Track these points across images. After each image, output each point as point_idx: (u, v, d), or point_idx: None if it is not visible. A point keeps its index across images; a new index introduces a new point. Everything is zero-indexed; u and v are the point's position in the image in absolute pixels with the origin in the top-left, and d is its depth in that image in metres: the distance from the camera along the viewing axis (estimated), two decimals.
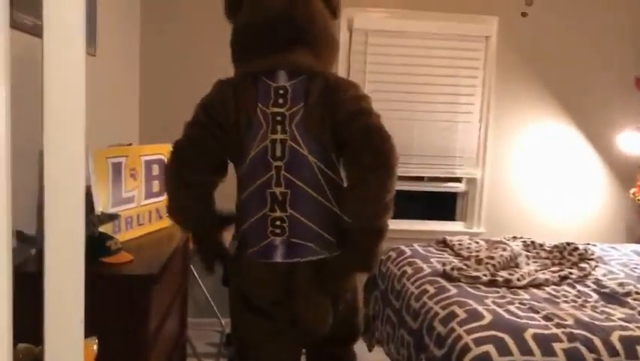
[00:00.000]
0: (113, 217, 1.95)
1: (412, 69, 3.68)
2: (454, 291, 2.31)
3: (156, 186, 2.45)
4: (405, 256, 2.86)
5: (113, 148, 2.22)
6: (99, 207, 2.08)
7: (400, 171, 3.60)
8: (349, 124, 1.73)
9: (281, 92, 1.74)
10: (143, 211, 2.35)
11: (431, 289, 2.37)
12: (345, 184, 1.83)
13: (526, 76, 3.78)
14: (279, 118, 1.72)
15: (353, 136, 1.73)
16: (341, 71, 3.62)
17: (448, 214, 3.98)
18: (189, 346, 3.12)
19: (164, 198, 2.48)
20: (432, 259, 2.77)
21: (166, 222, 2.50)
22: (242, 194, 1.84)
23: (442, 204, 4.06)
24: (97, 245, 1.90)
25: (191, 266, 3.46)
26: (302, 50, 1.77)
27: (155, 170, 2.45)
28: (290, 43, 1.76)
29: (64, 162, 0.57)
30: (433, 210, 4.12)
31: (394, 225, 3.73)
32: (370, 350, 3.10)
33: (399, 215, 3.85)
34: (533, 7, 3.68)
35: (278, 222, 1.74)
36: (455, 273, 2.46)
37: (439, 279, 2.46)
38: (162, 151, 2.52)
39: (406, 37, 3.65)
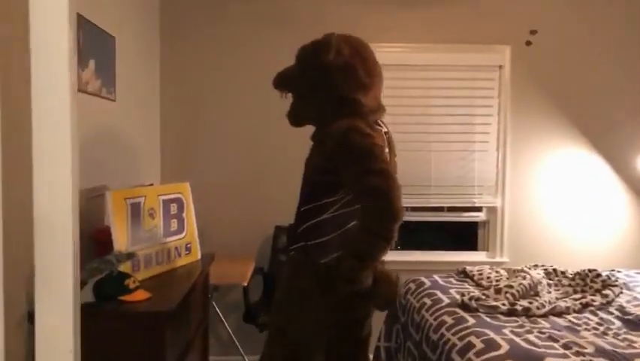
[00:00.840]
0: (130, 256, 2.00)
1: (426, 101, 3.72)
2: (472, 321, 2.28)
3: (174, 224, 2.51)
4: (424, 287, 2.85)
5: (131, 189, 2.29)
6: (118, 247, 2.14)
7: (420, 201, 3.66)
8: None
9: (387, 137, 2.16)
10: (162, 250, 2.40)
11: (449, 320, 2.35)
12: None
13: (542, 102, 3.78)
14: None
15: None
16: None
17: (471, 244, 3.95)
18: None
19: (183, 235, 2.55)
20: (451, 290, 2.76)
21: (184, 260, 2.55)
22: (351, 222, 1.99)
23: (465, 234, 4.04)
24: (115, 284, 1.95)
25: (214, 303, 3.50)
26: None
27: (174, 209, 2.52)
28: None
29: (54, 200, 0.61)
30: (455, 241, 4.10)
31: (415, 256, 3.76)
32: None
33: (420, 246, 3.87)
34: (543, 34, 3.71)
35: None
36: (473, 303, 2.44)
37: (458, 310, 2.44)
38: (180, 190, 2.60)
39: (419, 69, 3.71)
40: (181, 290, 2.16)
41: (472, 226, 3.94)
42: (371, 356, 3.08)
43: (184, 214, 2.59)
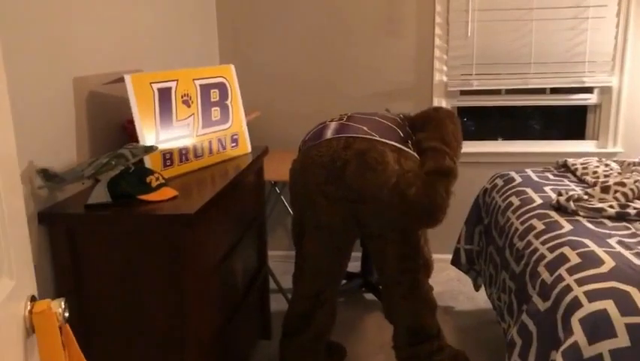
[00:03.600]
0: (149, 149, 1.72)
1: None
2: (567, 228, 1.84)
3: (216, 113, 2.20)
4: (513, 184, 2.39)
5: (157, 72, 1.97)
6: (144, 140, 1.87)
7: (517, 82, 3.11)
8: None
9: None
10: (201, 142, 2.12)
11: (539, 225, 1.92)
12: None
13: None
14: None
15: None
16: None
17: (577, 133, 3.36)
18: (273, 281, 2.95)
19: (227, 125, 2.24)
20: (546, 188, 2.28)
21: (231, 153, 2.26)
22: None
23: (571, 121, 3.44)
24: (134, 181, 1.69)
25: (282, 197, 3.25)
26: None
27: (215, 95, 2.20)
28: None
29: None
30: (558, 129, 3.51)
31: (509, 147, 3.25)
32: (476, 289, 2.73)
33: (514, 135, 3.34)
34: None
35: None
36: (572, 204, 1.97)
37: (552, 212, 1.99)
38: (222, 73, 2.26)
39: None
40: (220, 186, 1.89)
41: (580, 112, 3.33)
42: (449, 257, 2.75)
43: (228, 102, 2.27)
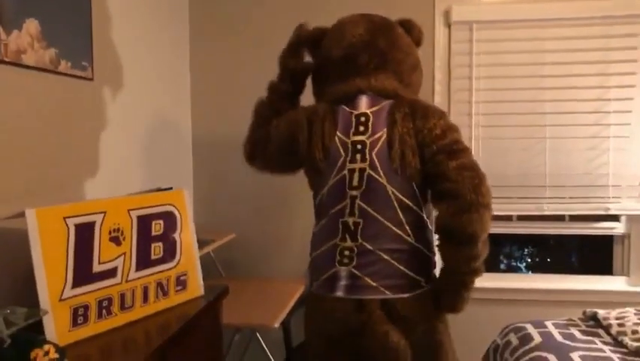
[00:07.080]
0: (31, 315, 1.27)
1: (537, 69, 2.72)
2: None
3: (157, 250, 1.76)
4: (531, 345, 1.90)
5: (77, 204, 1.57)
6: (44, 294, 1.43)
7: (530, 208, 2.69)
8: (443, 161, 1.61)
9: (362, 119, 1.70)
10: (132, 288, 1.67)
11: None
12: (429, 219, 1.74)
13: None
14: (359, 146, 1.68)
15: (448, 175, 1.59)
16: (440, 79, 2.76)
17: (603, 267, 2.89)
18: None
19: (172, 264, 1.80)
20: (574, 355, 1.78)
21: (174, 299, 1.81)
22: (317, 223, 1.82)
23: (594, 253, 2.98)
24: (7, 358, 1.23)
25: (261, 339, 2.75)
26: (385, 74, 1.77)
27: (157, 228, 1.77)
28: (372, 69, 1.76)
29: None
30: (580, 262, 3.04)
31: (523, 282, 2.78)
32: None
33: (531, 268, 2.88)
34: None
35: (347, 252, 1.69)
36: None
37: None
38: (170, 200, 1.85)
39: (529, 26, 2.71)
40: (149, 350, 1.43)
41: (605, 242, 2.88)
42: None
43: (176, 234, 1.84)
